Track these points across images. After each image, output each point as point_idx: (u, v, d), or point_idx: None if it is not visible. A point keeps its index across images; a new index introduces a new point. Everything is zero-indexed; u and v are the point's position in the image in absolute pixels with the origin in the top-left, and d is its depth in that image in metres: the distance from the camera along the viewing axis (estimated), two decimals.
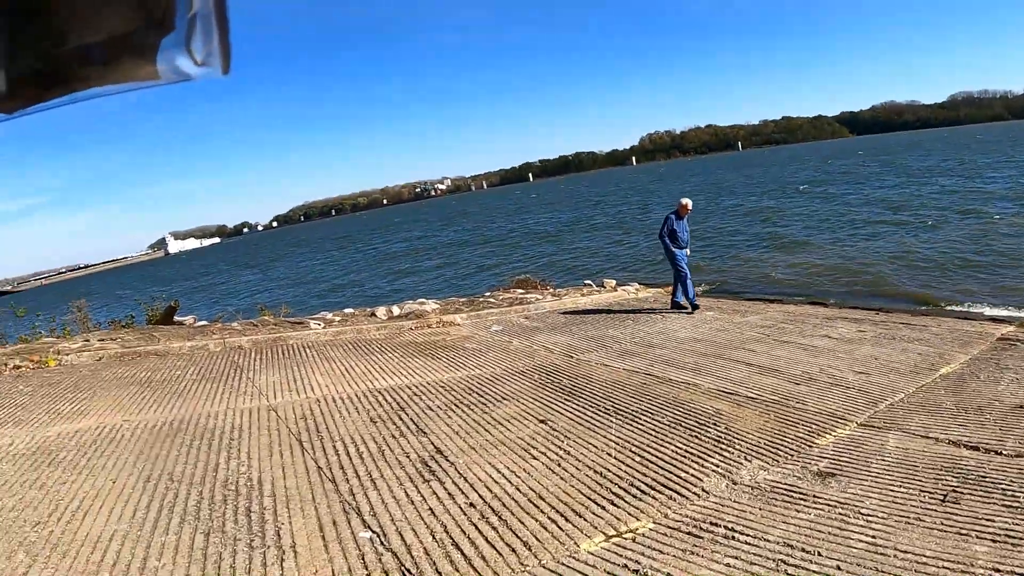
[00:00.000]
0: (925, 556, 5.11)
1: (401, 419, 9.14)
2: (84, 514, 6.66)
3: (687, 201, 16.80)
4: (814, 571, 4.97)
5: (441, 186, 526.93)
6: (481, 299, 19.79)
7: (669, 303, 17.25)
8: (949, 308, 16.79)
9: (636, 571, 5.22)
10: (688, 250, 16.81)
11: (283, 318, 18.87)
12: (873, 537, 5.44)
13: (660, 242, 16.93)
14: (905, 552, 5.19)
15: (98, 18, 0.72)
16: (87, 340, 16.26)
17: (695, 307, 16.30)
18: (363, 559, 5.60)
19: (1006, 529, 5.41)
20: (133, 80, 0.76)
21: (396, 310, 18.07)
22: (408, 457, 7.77)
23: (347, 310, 19.35)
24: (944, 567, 4.95)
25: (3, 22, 0.68)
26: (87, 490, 7.25)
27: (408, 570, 5.41)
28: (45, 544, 6.08)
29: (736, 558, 5.29)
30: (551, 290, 20.97)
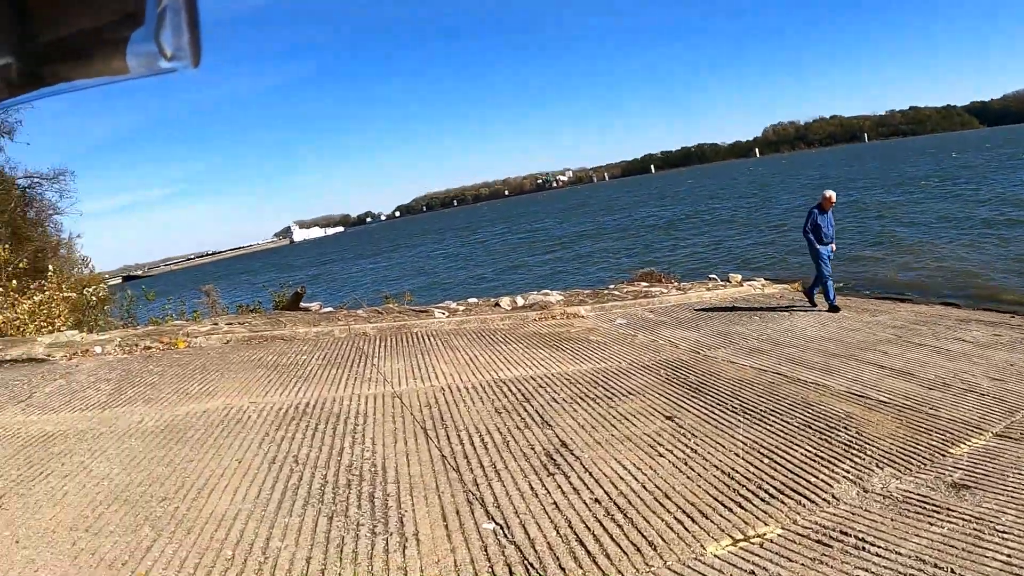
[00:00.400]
0: None
1: (526, 410, 9.07)
2: (209, 492, 6.76)
3: (831, 193, 15.87)
4: None
5: (563, 177, 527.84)
6: (605, 291, 19.65)
7: (799, 298, 17.05)
8: None
9: None
10: (834, 246, 16.06)
11: (407, 306, 19.00)
12: (1008, 556, 5.16)
13: (804, 238, 16.05)
14: None
15: (69, 13, 0.71)
16: (215, 323, 16.62)
17: (834, 308, 15.46)
18: (486, 551, 5.55)
19: None
20: (103, 75, 0.75)
21: (520, 300, 18.02)
22: (533, 449, 7.69)
23: (471, 300, 19.39)
24: None
25: None
26: (213, 469, 7.36)
27: (531, 564, 5.32)
28: (170, 520, 6.19)
29: (866, 571, 5.07)
30: (675, 284, 20.70)
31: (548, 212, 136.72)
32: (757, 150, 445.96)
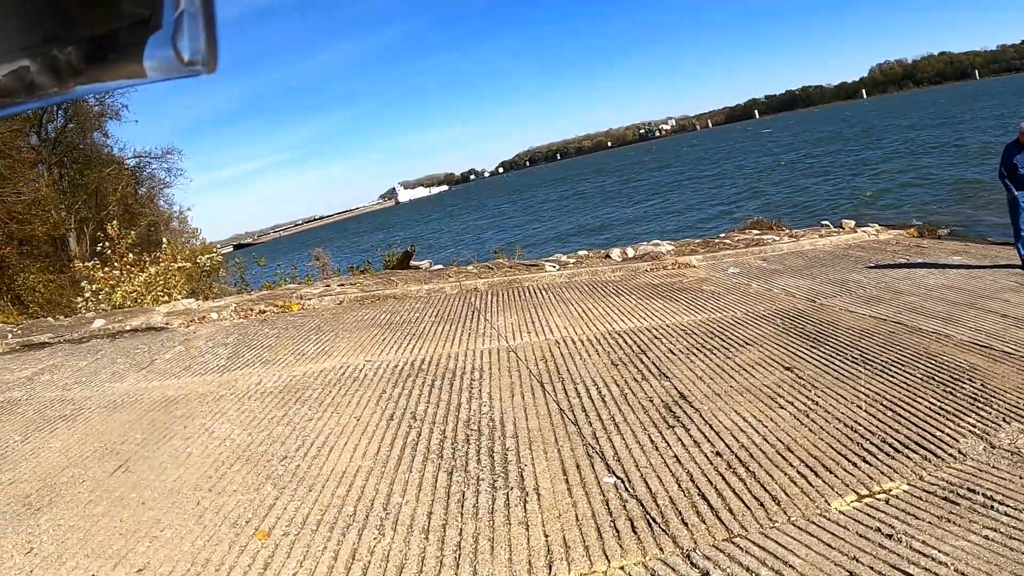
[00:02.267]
0: None
1: (642, 362, 9.00)
2: (329, 450, 6.88)
3: None
4: None
5: (665, 127, 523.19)
6: (716, 240, 19.40)
7: (914, 244, 16.38)
8: None
9: (890, 535, 4.92)
10: None
11: (517, 260, 19.03)
12: None
13: (1000, 183, 13.45)
14: None
15: (85, 18, 0.71)
16: (328, 285, 16.87)
17: None
18: (607, 505, 5.52)
19: None
20: (119, 79, 0.76)
21: (630, 252, 17.91)
22: (651, 402, 7.63)
23: (581, 252, 19.35)
24: None
25: None
26: (332, 427, 7.49)
27: (653, 519, 5.28)
28: (292, 478, 6.32)
29: (995, 530, 4.87)
30: (787, 231, 20.31)
31: (652, 161, 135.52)
32: (864, 91, 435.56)
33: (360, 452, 6.78)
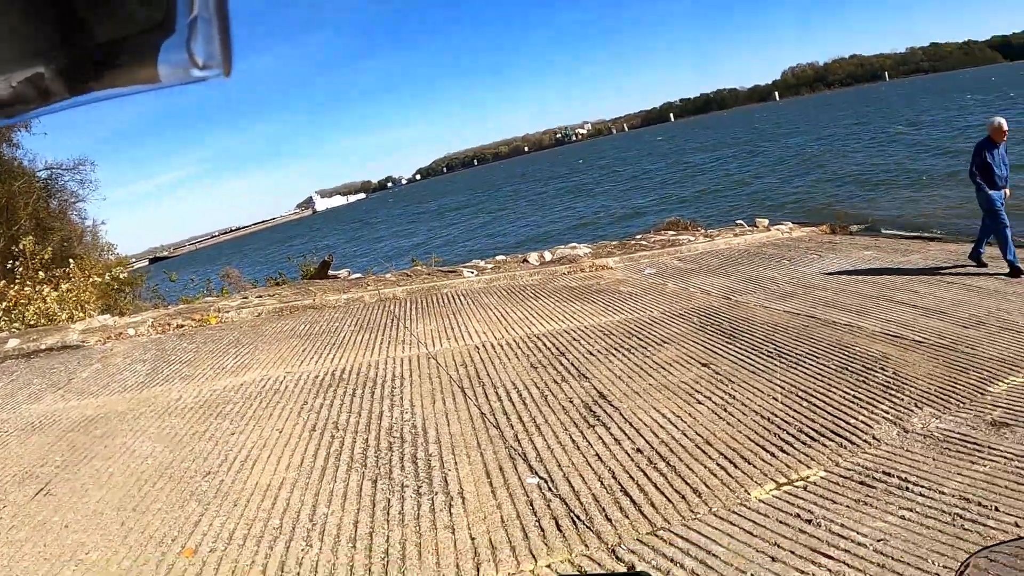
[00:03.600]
0: None
1: (562, 364, 9.10)
2: (253, 463, 6.86)
3: (1001, 121, 12.50)
4: (992, 527, 4.73)
5: (581, 131, 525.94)
6: (632, 241, 19.60)
7: (827, 241, 16.62)
8: None
9: (810, 521, 5.06)
10: (1008, 190, 12.62)
11: (435, 267, 19.05)
12: None
13: (971, 182, 12.73)
14: None
15: (99, 23, 0.71)
16: (245, 298, 16.75)
17: (1017, 271, 11.93)
18: (531, 505, 5.59)
19: None
20: (134, 83, 0.75)
21: (548, 255, 18.02)
22: (571, 402, 7.73)
23: (498, 257, 19.42)
24: None
25: (6, 29, 0.63)
26: (254, 440, 7.46)
27: (578, 517, 5.36)
28: (216, 493, 6.29)
29: (911, 510, 5.07)
30: (702, 231, 20.58)
31: (568, 166, 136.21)
32: (777, 94, 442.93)
33: (284, 464, 6.75)
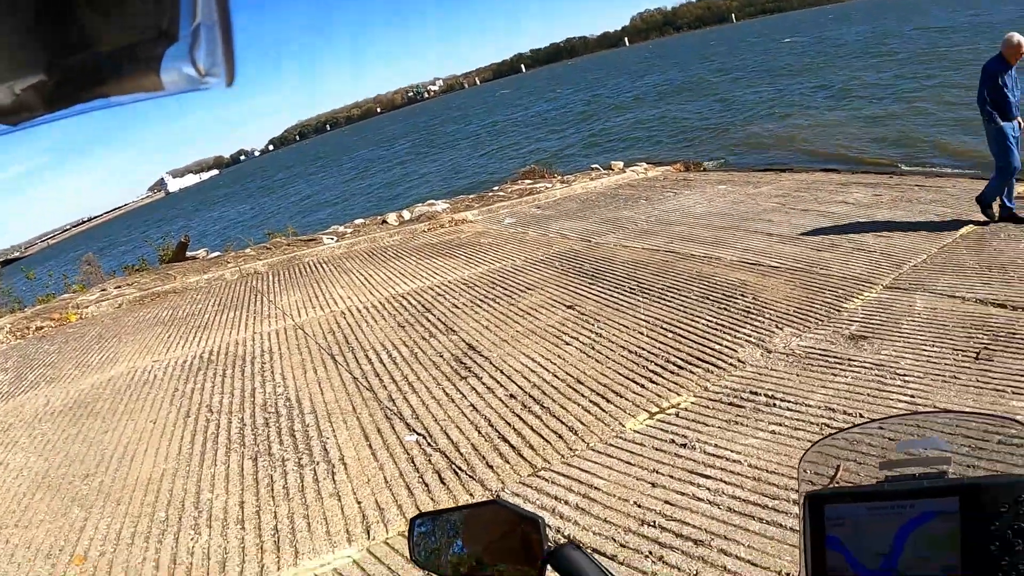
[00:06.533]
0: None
1: (428, 320, 9.18)
2: (131, 459, 6.74)
3: (1021, 39, 9.72)
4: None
5: (434, 87, 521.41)
6: (490, 193, 19.63)
7: (682, 179, 17.07)
8: (964, 169, 15.29)
9: (684, 444, 5.24)
10: (1021, 120, 10.07)
11: (294, 237, 18.83)
12: (912, 396, 5.46)
13: (980, 111, 10.17)
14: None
15: (101, 32, 0.68)
16: (104, 290, 16.32)
17: (1015, 217, 9.99)
18: (413, 462, 5.67)
19: None
20: (137, 91, 0.72)
21: (407, 214, 17.97)
22: (442, 357, 7.81)
23: (357, 221, 19.27)
24: None
25: (9, 37, 0.64)
26: (130, 435, 7.33)
27: (459, 468, 5.45)
28: (98, 495, 6.16)
29: (780, 424, 5.33)
30: (559, 177, 20.69)
31: (419, 124, 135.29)
32: (627, 39, 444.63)
33: (162, 455, 6.66)
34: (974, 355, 6.02)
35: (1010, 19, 38.84)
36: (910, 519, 1.03)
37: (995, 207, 10.12)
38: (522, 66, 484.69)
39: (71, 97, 0.74)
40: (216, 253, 20.02)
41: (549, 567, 1.15)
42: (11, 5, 0.65)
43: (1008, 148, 9.83)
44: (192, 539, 5.16)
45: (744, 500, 4.49)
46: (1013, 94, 9.91)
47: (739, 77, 51.92)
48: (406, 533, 1.37)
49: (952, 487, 1.03)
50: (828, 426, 5.15)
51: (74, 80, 0.73)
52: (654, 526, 4.39)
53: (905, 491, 1.05)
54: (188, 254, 19.78)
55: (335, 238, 16.71)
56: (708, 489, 4.65)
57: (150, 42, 0.74)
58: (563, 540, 1.21)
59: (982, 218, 10.03)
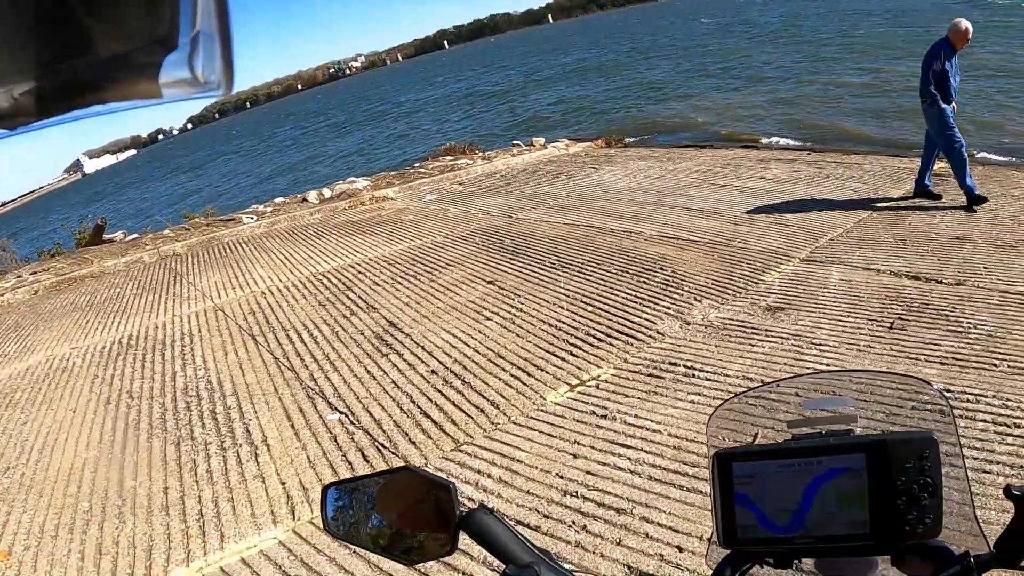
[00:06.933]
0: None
1: (349, 298, 9.19)
2: (51, 449, 6.64)
3: (968, 25, 9.84)
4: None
5: (355, 63, 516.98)
6: (411, 170, 19.56)
7: (603, 154, 17.22)
8: (879, 146, 15.84)
9: (604, 415, 5.34)
10: (955, 104, 10.18)
11: (213, 218, 18.62)
12: (827, 365, 5.65)
13: (925, 95, 9.99)
14: None
15: (100, 38, 0.70)
16: (19, 276, 15.97)
17: (979, 199, 9.61)
18: (335, 441, 5.70)
19: (952, 352, 5.66)
20: (135, 97, 0.73)
21: (327, 192, 17.85)
22: (363, 334, 7.84)
23: (277, 199, 19.11)
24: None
25: (8, 40, 0.65)
26: (49, 424, 7.21)
27: (382, 445, 5.49)
28: (19, 488, 6.05)
29: (699, 394, 5.47)
30: (480, 154, 20.69)
31: (343, 101, 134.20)
32: (550, 16, 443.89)
33: (84, 444, 6.58)
34: (888, 324, 6.22)
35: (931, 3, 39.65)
36: (817, 476, 1.08)
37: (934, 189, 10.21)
38: (445, 42, 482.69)
39: (69, 102, 0.74)
40: (134, 235, 19.71)
41: (462, 531, 1.19)
42: (10, 8, 0.66)
43: (951, 127, 9.82)
44: (117, 528, 5.12)
45: (664, 468, 4.59)
46: (955, 78, 9.97)
47: (652, 56, 52.33)
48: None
49: (858, 444, 1.08)
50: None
51: (72, 85, 0.73)
52: (576, 496, 4.47)
53: (812, 448, 1.10)
54: (105, 237, 19.44)
55: (255, 217, 16.57)
56: (629, 459, 4.75)
57: (148, 49, 0.74)
58: (478, 505, 1.25)
59: (897, 192, 10.48)
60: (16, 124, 0.74)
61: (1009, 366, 5.34)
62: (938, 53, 9.88)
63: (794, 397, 1.24)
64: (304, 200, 17.63)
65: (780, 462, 1.11)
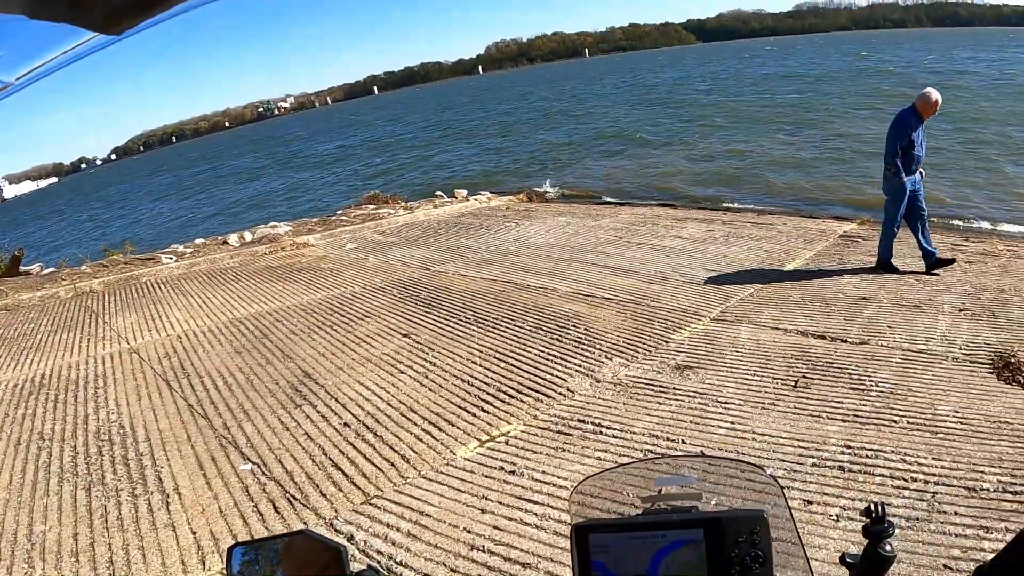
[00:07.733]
0: (781, 437, 5.59)
1: (265, 346, 9.24)
2: None
3: (938, 97, 9.71)
4: (679, 457, 5.29)
5: (284, 104, 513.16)
6: (333, 218, 19.67)
7: (523, 209, 17.73)
8: (793, 208, 16.77)
9: (513, 471, 5.49)
10: (921, 172, 10.08)
11: (132, 256, 18.45)
12: (732, 423, 5.90)
13: (889, 165, 9.89)
14: (763, 435, 5.66)
15: None
16: None
17: (942, 261, 9.93)
18: (247, 491, 5.73)
19: (854, 410, 5.94)
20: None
21: (248, 236, 17.87)
22: (278, 384, 7.90)
23: (198, 240, 19.04)
24: (800, 447, 5.41)
25: None
26: None
27: (293, 496, 5.55)
28: None
29: (605, 451, 5.66)
30: (403, 204, 20.92)
31: (271, 143, 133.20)
32: (481, 68, 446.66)
33: None
34: (792, 383, 6.48)
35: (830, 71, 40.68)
36: (662, 547, 1.27)
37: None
38: (375, 88, 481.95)
39: (165, 3, 0.79)
40: (51, 269, 19.45)
41: None
42: None
43: (900, 204, 9.81)
44: (25, 573, 5.07)
45: (570, 524, 4.71)
46: (921, 148, 9.79)
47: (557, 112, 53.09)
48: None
49: (697, 520, 1.28)
50: (651, 451, 5.50)
51: None
52: (483, 551, 4.59)
53: (657, 523, 1.29)
54: (22, 269, 19.16)
55: (174, 257, 16.49)
56: (535, 514, 4.90)
57: None
58: (365, 567, 1.40)
59: (808, 253, 10.87)
60: (121, 29, 0.79)
61: (908, 422, 5.62)
62: (907, 123, 9.70)
63: (649, 476, 1.43)
64: (225, 242, 17.60)
65: (631, 534, 1.29)
